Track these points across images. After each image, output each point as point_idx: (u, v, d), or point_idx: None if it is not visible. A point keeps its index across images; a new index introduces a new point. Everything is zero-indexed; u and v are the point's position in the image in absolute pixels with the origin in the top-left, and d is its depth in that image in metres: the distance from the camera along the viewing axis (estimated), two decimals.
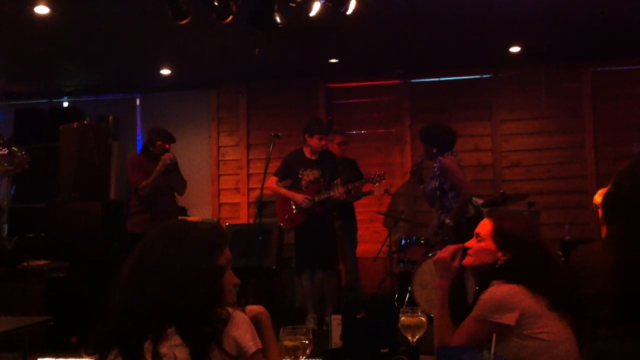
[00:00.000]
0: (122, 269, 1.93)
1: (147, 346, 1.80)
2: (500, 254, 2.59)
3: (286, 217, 6.36)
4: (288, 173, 6.44)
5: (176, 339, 1.79)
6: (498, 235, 2.61)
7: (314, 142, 6.29)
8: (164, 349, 1.78)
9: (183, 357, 1.78)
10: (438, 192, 5.82)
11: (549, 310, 2.47)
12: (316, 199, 6.21)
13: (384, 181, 6.57)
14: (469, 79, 8.31)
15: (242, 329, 1.87)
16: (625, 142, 7.40)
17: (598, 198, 2.79)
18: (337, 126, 8.04)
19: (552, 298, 2.49)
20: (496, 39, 7.05)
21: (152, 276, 1.86)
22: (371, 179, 6.47)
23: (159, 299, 1.82)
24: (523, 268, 2.52)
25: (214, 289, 1.89)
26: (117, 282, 1.90)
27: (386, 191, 6.95)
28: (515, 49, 7.40)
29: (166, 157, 6.30)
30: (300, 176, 6.34)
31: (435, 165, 5.87)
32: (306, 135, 6.34)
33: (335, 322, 2.48)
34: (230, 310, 1.88)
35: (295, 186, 6.37)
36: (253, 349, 1.87)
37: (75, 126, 6.82)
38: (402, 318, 2.40)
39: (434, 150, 5.87)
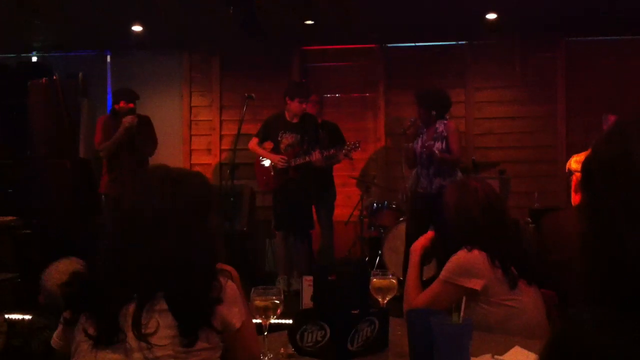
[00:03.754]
0: (110, 221, 1.82)
1: (127, 309, 1.70)
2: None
3: (264, 178, 6.36)
4: (268, 135, 6.39)
5: (162, 305, 1.71)
6: (444, 204, 2.75)
7: (295, 105, 6.23)
8: (146, 314, 1.69)
9: (167, 324, 1.70)
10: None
11: (517, 276, 2.50)
12: (292, 163, 6.18)
13: (358, 150, 6.53)
14: (444, 45, 8.29)
15: (229, 302, 1.81)
16: (596, 113, 7.45)
17: (574, 164, 2.82)
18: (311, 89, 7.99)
19: (517, 265, 2.53)
20: (473, 5, 7.01)
21: (146, 232, 1.74)
22: (346, 148, 6.43)
23: (154, 258, 1.71)
24: (459, 236, 2.62)
25: (213, 251, 1.80)
26: (106, 236, 1.79)
27: (346, 155, 6.94)
28: (491, 16, 7.37)
29: (125, 120, 6.25)
30: (279, 139, 6.29)
31: (438, 127, 5.79)
32: (287, 99, 6.26)
33: (307, 284, 2.48)
34: (223, 281, 1.81)
35: (275, 149, 6.34)
36: (238, 325, 1.83)
37: (43, 82, 6.68)
38: (373, 280, 2.41)
39: (433, 113, 5.81)
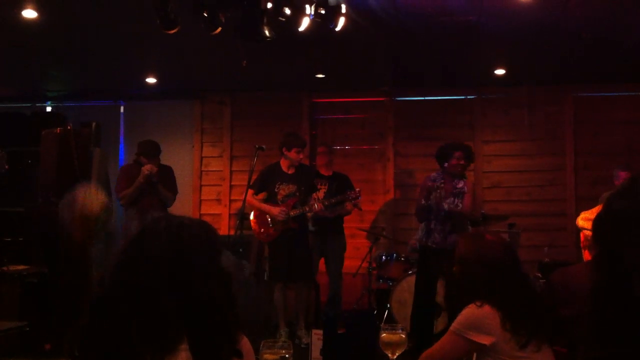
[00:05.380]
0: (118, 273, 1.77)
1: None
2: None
3: (262, 230, 6.35)
4: (264, 186, 6.43)
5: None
6: (457, 257, 2.74)
7: (292, 155, 6.29)
8: None
9: None
10: (461, 212, 5.78)
11: (528, 335, 2.49)
12: (291, 213, 6.21)
13: (359, 199, 6.60)
14: (453, 99, 8.38)
15: (245, 357, 1.79)
16: (604, 166, 7.49)
17: (580, 222, 2.83)
18: (320, 140, 8.11)
19: (529, 322, 2.52)
20: (481, 61, 7.12)
21: (154, 283, 1.69)
22: (347, 197, 6.51)
23: (172, 310, 1.67)
24: (474, 287, 2.60)
25: (232, 303, 1.79)
26: (114, 288, 1.74)
27: (355, 205, 6.96)
28: (500, 72, 7.47)
29: (145, 168, 6.32)
30: (276, 190, 6.33)
31: (457, 184, 5.83)
32: (284, 149, 6.34)
33: (316, 337, 2.48)
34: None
35: (271, 200, 6.36)
36: None
37: (57, 131, 6.76)
38: (383, 335, 2.41)
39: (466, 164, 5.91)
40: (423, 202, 5.81)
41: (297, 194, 6.30)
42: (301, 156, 6.35)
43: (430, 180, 5.85)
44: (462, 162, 5.81)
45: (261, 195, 6.46)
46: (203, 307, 1.71)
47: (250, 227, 6.68)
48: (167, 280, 1.71)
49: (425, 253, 5.87)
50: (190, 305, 1.70)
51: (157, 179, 6.39)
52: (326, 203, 6.38)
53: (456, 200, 5.76)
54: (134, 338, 1.65)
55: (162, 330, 1.66)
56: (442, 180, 5.81)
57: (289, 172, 6.36)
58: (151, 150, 6.55)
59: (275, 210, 6.21)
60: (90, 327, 1.75)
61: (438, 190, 5.74)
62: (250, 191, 6.39)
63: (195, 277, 1.73)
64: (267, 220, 6.30)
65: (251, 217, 6.44)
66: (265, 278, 6.65)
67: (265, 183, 6.41)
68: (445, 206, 5.74)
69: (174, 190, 6.70)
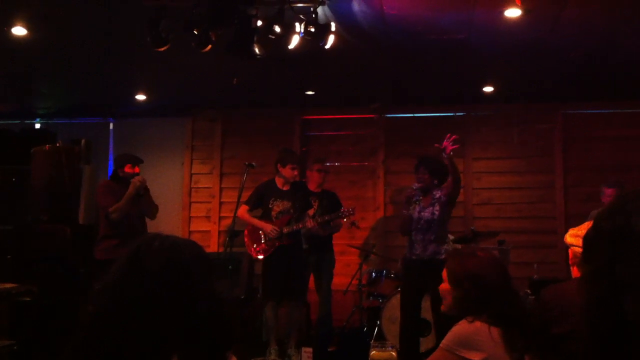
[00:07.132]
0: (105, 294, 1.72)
1: None
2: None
3: (254, 246, 6.32)
4: (259, 202, 6.41)
5: None
6: (448, 275, 2.71)
7: (287, 172, 6.28)
8: None
9: None
10: (440, 220, 5.79)
11: (520, 351, 2.48)
12: (285, 230, 6.19)
13: (352, 216, 6.59)
14: (443, 115, 8.41)
15: None
16: (594, 184, 7.51)
17: (569, 238, 2.82)
18: (312, 157, 8.11)
19: (520, 338, 2.51)
20: (472, 78, 7.15)
21: (145, 305, 1.64)
22: (341, 214, 6.51)
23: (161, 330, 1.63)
24: (467, 305, 2.59)
25: (224, 322, 1.74)
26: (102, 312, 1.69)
27: (353, 224, 6.95)
28: (488, 89, 7.51)
29: (136, 179, 6.23)
30: (270, 206, 6.31)
31: (435, 194, 5.82)
32: (278, 166, 6.33)
33: (306, 355, 2.47)
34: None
35: (266, 216, 6.34)
36: None
37: (47, 148, 6.75)
38: (373, 352, 2.40)
39: (436, 182, 5.88)
40: (405, 212, 5.87)
41: (292, 210, 6.29)
42: (295, 173, 6.34)
43: (412, 189, 5.92)
44: (425, 175, 5.84)
45: (256, 212, 6.44)
46: (197, 324, 1.70)
47: (240, 245, 6.66)
48: (164, 298, 1.70)
49: (408, 266, 5.88)
50: (184, 322, 1.69)
51: (143, 192, 6.29)
52: (319, 220, 6.37)
53: (435, 209, 5.78)
54: (127, 355, 1.64)
55: (156, 348, 1.65)
56: (421, 194, 5.86)
57: (284, 188, 6.35)
58: (136, 159, 6.44)
59: (268, 227, 6.20)
60: (82, 345, 1.74)
61: (417, 201, 5.80)
62: (244, 207, 6.38)
63: (191, 294, 1.73)
64: (260, 236, 6.27)
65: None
66: (258, 295, 6.61)
67: (259, 199, 6.40)
68: (427, 215, 5.76)
69: (154, 204, 6.54)
